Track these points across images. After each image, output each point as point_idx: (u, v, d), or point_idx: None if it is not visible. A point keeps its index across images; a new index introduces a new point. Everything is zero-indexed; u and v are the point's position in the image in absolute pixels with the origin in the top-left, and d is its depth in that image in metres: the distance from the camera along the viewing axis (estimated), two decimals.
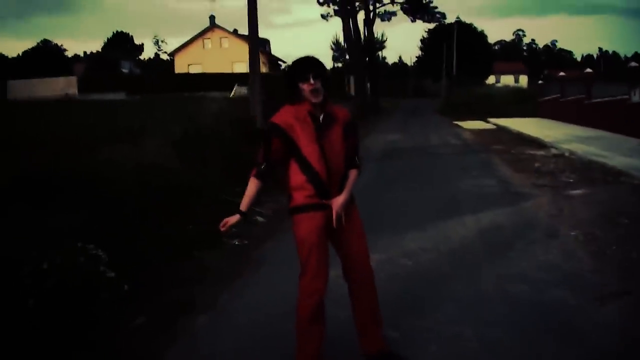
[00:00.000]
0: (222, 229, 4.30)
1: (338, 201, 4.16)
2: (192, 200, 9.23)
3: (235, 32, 75.63)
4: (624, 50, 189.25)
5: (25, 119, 18.03)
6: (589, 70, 31.39)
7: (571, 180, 12.59)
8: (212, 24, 75.65)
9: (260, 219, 9.47)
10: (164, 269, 6.69)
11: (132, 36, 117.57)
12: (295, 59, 4.19)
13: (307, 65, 4.08)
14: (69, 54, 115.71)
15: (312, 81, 4.02)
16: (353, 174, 4.30)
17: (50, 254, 5.46)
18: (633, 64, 23.87)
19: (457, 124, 32.53)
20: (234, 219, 4.26)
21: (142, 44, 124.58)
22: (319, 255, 4.15)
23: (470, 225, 8.76)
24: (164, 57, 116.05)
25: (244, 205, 4.29)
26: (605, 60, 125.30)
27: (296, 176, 4.16)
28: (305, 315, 4.19)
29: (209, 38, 75.54)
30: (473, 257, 7.23)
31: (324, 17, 58.76)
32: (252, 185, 4.29)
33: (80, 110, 22.50)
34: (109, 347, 4.94)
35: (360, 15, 51.07)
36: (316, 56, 4.22)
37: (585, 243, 7.67)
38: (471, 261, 7.04)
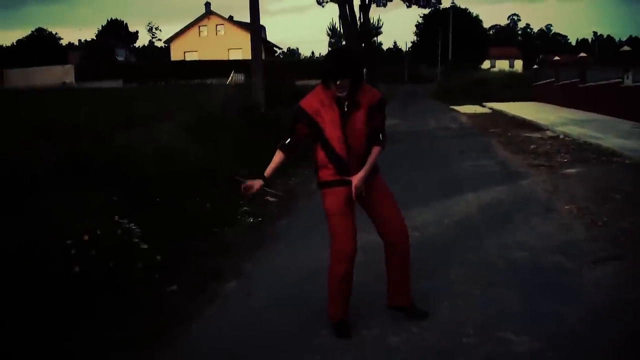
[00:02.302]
0: (247, 192, 4.82)
1: (357, 177, 4.63)
2: (207, 180, 9.70)
3: (230, 19, 75.79)
4: (619, 34, 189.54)
5: (41, 107, 18.44)
6: (583, 54, 31.85)
7: (566, 160, 13.11)
8: (208, 11, 75.76)
9: (271, 199, 9.95)
10: (188, 243, 7.15)
11: (126, 24, 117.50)
12: (331, 53, 4.68)
13: (338, 66, 4.43)
14: (63, 42, 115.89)
15: (338, 82, 4.42)
16: (375, 150, 4.74)
17: (90, 226, 5.94)
18: (626, 48, 24.31)
19: (453, 109, 32.96)
20: (257, 183, 4.81)
21: (137, 32, 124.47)
22: (343, 222, 4.71)
23: (472, 201, 9.29)
24: (159, 44, 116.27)
25: (267, 172, 4.85)
26: (600, 45, 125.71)
27: (320, 155, 4.68)
28: (336, 274, 4.77)
29: (205, 25, 75.66)
30: (475, 228, 7.78)
31: (319, 2, 58.91)
32: (277, 156, 4.84)
33: (87, 98, 22.87)
34: (150, 308, 5.44)
35: (356, 1, 51.35)
36: (345, 52, 4.72)
37: (579, 216, 8.21)
38: (474, 232, 7.59)
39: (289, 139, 4.77)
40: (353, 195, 4.66)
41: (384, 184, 4.91)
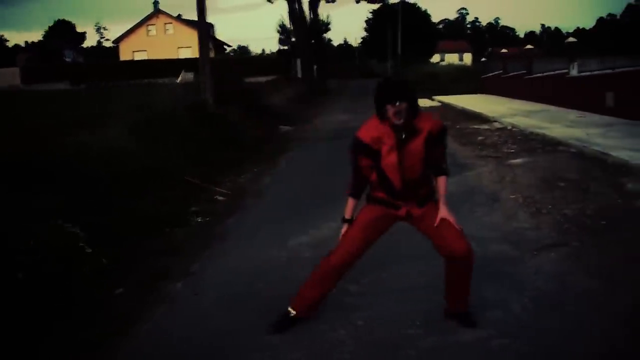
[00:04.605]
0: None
1: (444, 212, 4.58)
2: (155, 181, 9.63)
3: (179, 18, 75.06)
4: (567, 26, 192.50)
5: None
6: (529, 46, 32.39)
7: (512, 151, 13.31)
8: (156, 10, 74.89)
9: (220, 197, 9.91)
10: (136, 245, 7.07)
11: (74, 24, 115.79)
12: (385, 81, 4.46)
13: (394, 91, 4.31)
14: (10, 44, 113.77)
15: (397, 104, 4.27)
16: (443, 180, 4.67)
17: (35, 231, 5.86)
18: (571, 39, 24.79)
19: None
20: (345, 228, 4.76)
21: (85, 32, 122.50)
22: (354, 237, 4.69)
23: None
24: (107, 44, 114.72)
25: (348, 215, 4.76)
26: (548, 36, 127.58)
27: (374, 177, 4.59)
28: (315, 275, 4.82)
29: (153, 24, 74.74)
30: None
31: None
32: (350, 202, 4.76)
33: (36, 100, 22.48)
34: (98, 311, 5.37)
35: None
36: (400, 86, 4.40)
37: (524, 205, 8.36)
38: None
39: (354, 184, 4.71)
40: (457, 226, 4.61)
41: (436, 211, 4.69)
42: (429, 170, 4.59)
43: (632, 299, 5.15)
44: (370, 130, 4.49)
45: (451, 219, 4.54)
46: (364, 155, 4.51)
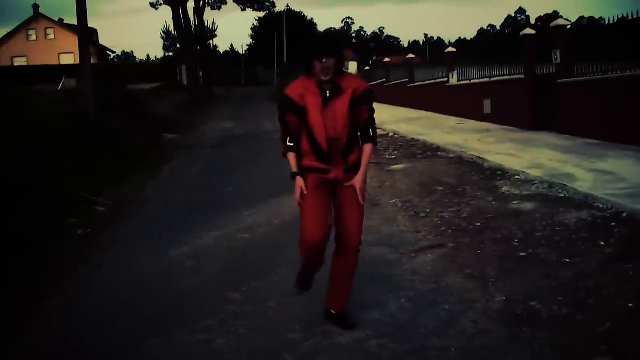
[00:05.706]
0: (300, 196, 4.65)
1: (358, 180, 4.61)
2: (32, 192, 9.28)
3: (61, 22, 72.79)
4: (449, 36, 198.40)
5: None
6: (411, 55, 33.22)
7: (394, 157, 13.65)
8: (36, 14, 72.33)
9: (100, 208, 9.69)
10: (11, 260, 6.76)
11: None
12: (316, 36, 4.48)
13: (322, 45, 4.44)
14: None
15: (324, 60, 4.37)
16: (368, 148, 4.69)
17: None
18: (450, 49, 25.60)
19: None
20: (300, 182, 4.63)
21: None
22: (311, 207, 4.60)
23: None
24: None
25: (294, 169, 4.68)
26: (431, 46, 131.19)
27: (304, 143, 4.59)
28: (302, 251, 4.75)
29: (33, 29, 72.12)
30: None
31: (153, 5, 57.72)
32: (291, 157, 4.69)
33: None
34: None
35: (190, 4, 50.59)
36: (332, 36, 4.54)
37: (403, 209, 8.60)
38: None
39: (288, 139, 4.67)
40: (360, 199, 4.62)
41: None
42: (357, 137, 4.65)
43: (504, 295, 5.36)
44: (297, 87, 4.60)
45: (360, 192, 4.62)
46: (291, 111, 4.57)
